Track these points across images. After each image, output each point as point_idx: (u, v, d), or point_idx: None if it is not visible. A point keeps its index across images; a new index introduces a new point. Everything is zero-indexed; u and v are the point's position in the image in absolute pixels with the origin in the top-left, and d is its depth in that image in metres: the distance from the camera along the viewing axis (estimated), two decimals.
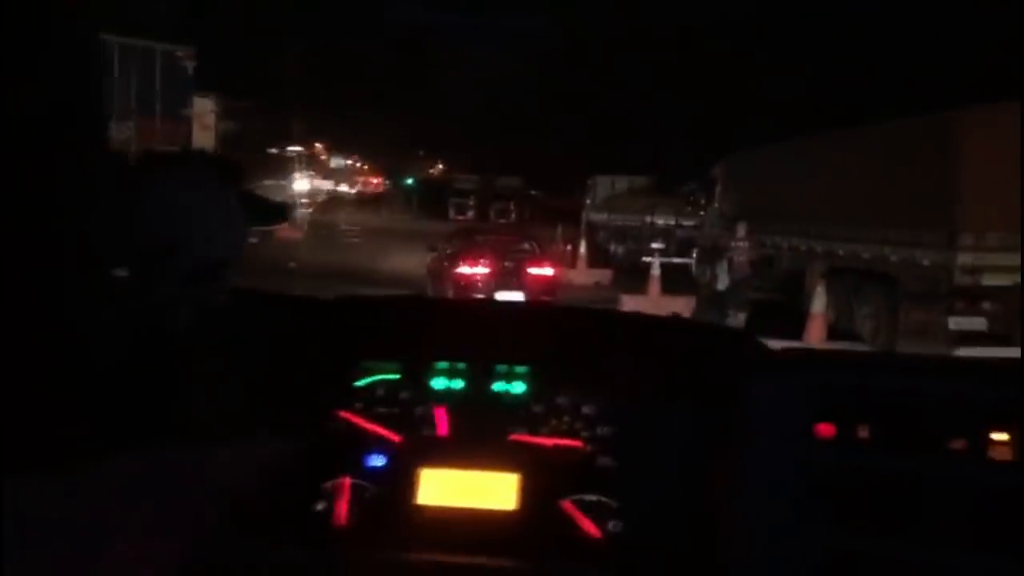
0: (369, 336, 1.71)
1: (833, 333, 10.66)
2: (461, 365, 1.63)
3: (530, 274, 12.76)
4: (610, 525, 1.42)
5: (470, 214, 56.62)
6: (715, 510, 1.40)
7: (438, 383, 1.61)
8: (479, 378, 1.61)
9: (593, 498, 1.44)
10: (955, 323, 9.52)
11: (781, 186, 13.79)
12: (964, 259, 9.23)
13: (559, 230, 27.25)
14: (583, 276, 19.29)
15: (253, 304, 1.67)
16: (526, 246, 13.96)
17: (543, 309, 1.77)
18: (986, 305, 9.48)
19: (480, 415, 1.56)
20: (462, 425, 1.56)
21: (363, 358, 1.63)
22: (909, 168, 10.04)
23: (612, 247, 24.24)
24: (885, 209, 10.51)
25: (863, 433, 1.37)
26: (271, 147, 32.05)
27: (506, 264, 12.81)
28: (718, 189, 17.27)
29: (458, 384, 1.61)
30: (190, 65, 14.86)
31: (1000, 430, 1.32)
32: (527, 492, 1.47)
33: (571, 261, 20.40)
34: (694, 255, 18.05)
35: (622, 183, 28.19)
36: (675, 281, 15.58)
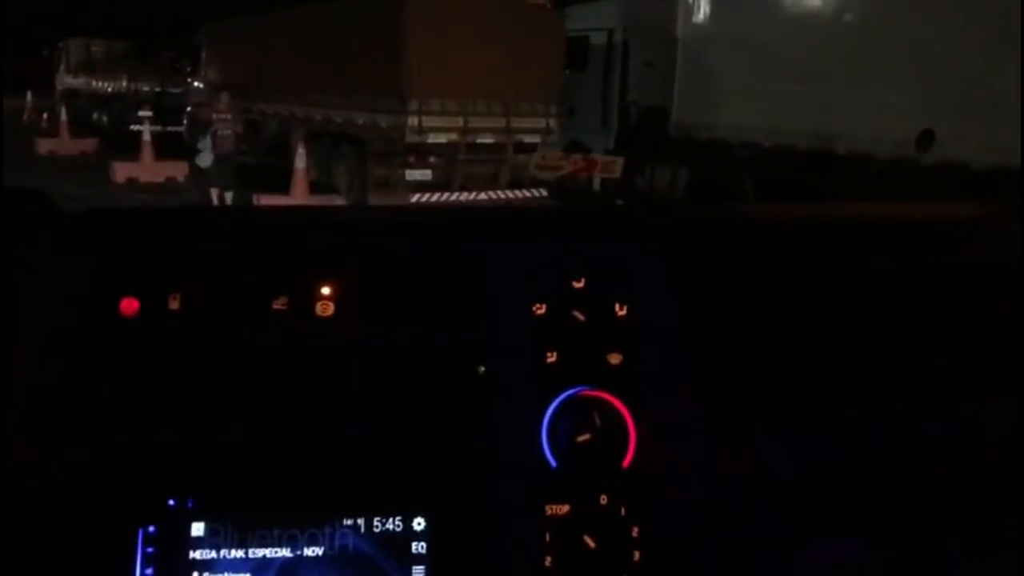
0: None
1: (315, 188, 12.24)
2: None
3: None
4: None
5: None
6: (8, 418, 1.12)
7: None
8: None
9: None
10: (409, 175, 11.67)
11: (262, 57, 14.79)
12: (412, 121, 11.29)
13: (29, 97, 25.08)
14: (67, 147, 18.50)
15: None
16: None
17: None
18: (432, 159, 11.76)
19: None
20: None
21: None
22: (366, 43, 11.76)
23: (95, 115, 23.17)
24: (350, 80, 12.18)
25: (174, 304, 1.15)
26: None
27: None
28: (203, 57, 17.59)
29: None
30: None
31: (323, 285, 1.17)
32: None
33: (54, 131, 19.28)
34: (184, 122, 18.29)
35: (98, 47, 26.60)
36: (167, 148, 15.88)
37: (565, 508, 1.17)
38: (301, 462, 1.14)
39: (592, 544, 1.16)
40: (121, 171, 14.74)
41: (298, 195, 11.60)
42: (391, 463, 1.16)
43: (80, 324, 1.14)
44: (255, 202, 10.95)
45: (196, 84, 18.01)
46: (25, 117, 23.46)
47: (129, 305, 1.14)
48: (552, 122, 12.64)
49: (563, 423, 1.18)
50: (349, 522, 1.13)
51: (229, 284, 1.17)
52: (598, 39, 14.20)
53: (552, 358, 1.20)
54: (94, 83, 24.84)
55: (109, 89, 23.75)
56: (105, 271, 1.16)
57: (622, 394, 1.20)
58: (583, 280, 1.23)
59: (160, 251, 1.19)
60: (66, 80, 27.02)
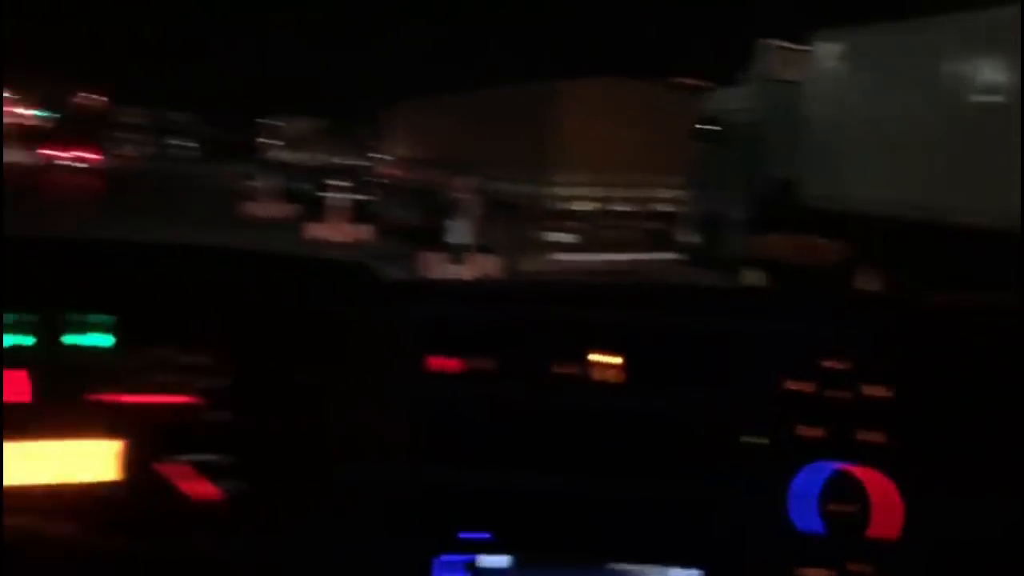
0: None
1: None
2: (30, 317, 1.36)
3: None
4: (226, 485, 1.33)
5: (135, 149, 54.44)
6: (330, 455, 1.34)
7: (6, 340, 1.34)
8: (53, 331, 1.36)
9: (206, 457, 1.34)
10: (552, 237, 13.26)
11: (438, 134, 17.07)
12: (556, 191, 12.99)
13: (241, 166, 28.55)
14: (270, 210, 21.28)
15: None
16: None
17: (132, 246, 1.53)
18: (573, 224, 13.33)
19: (60, 375, 1.34)
20: (41, 388, 1.33)
21: None
22: (522, 124, 13.68)
23: (295, 184, 26.12)
24: (508, 154, 14.05)
25: (472, 363, 1.34)
26: None
27: None
28: (390, 133, 20.00)
29: (29, 340, 1.35)
30: None
31: (595, 352, 1.34)
32: (131, 458, 1.32)
33: (256, 196, 22.14)
34: (370, 191, 20.68)
35: (302, 123, 30.12)
36: (356, 214, 18.15)
37: (818, 573, 1.24)
38: (579, 510, 1.28)
39: None
40: (312, 231, 16.97)
41: (447, 254, 13.39)
42: (659, 518, 1.27)
43: (397, 375, 1.31)
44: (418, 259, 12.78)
45: (384, 157, 20.40)
46: (235, 185, 26.67)
47: (443, 363, 1.32)
48: (686, 192, 13.98)
49: (814, 493, 1.27)
50: (621, 568, 1.24)
51: (513, 347, 1.33)
52: (738, 119, 15.43)
53: (804, 431, 1.30)
54: (292, 155, 28.00)
55: (308, 160, 26.73)
56: (424, 333, 1.33)
57: (873, 468, 1.27)
58: (834, 360, 1.33)
59: (471, 317, 1.36)
60: (271, 152, 30.56)
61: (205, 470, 1.35)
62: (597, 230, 13.59)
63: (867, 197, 12.52)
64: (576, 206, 13.06)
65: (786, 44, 15.26)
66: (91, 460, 1.32)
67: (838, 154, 13.29)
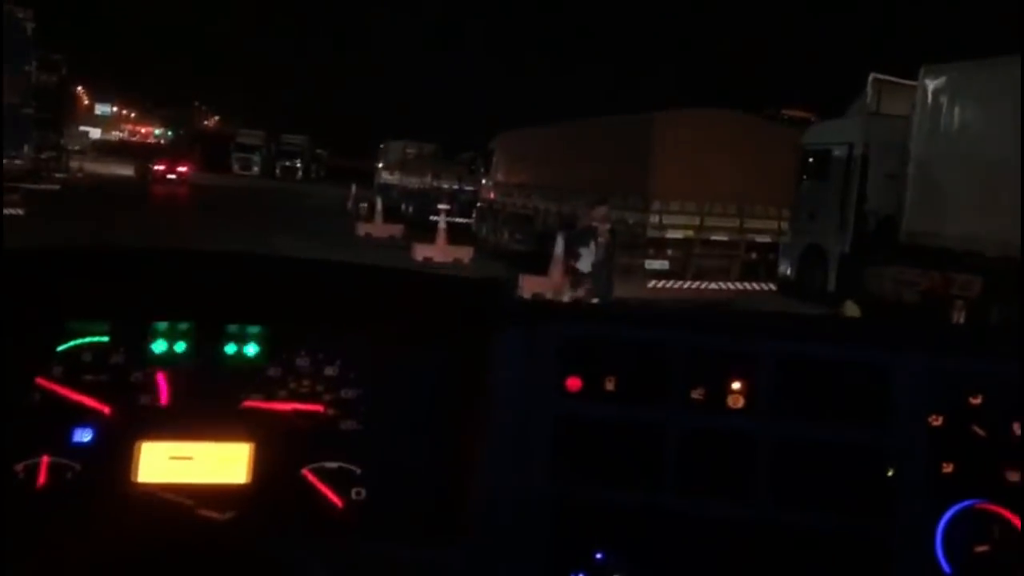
0: (74, 292, 1.43)
1: (567, 272, 14.40)
2: (184, 325, 1.42)
3: None
4: (353, 493, 1.37)
5: (255, 170, 57.04)
6: (464, 470, 1.34)
7: (157, 346, 1.41)
8: (206, 340, 1.42)
9: (335, 465, 1.37)
10: (649, 264, 13.53)
11: (537, 162, 17.57)
12: (654, 219, 13.23)
13: (353, 188, 29.81)
14: (380, 230, 22.10)
15: None
16: None
17: (282, 260, 1.62)
18: (669, 251, 13.57)
19: (207, 381, 1.40)
20: (186, 392, 1.39)
21: (67, 318, 1.40)
22: (621, 153, 13.99)
23: (403, 205, 27.14)
24: (605, 182, 14.37)
25: (609, 385, 1.34)
26: None
27: None
28: (495, 159, 20.70)
29: (181, 347, 1.41)
30: (29, 26, 16.42)
31: (737, 379, 1.32)
32: (262, 463, 1.37)
33: (368, 216, 23.23)
34: (474, 215, 21.41)
35: (412, 148, 31.36)
36: (458, 235, 18.92)
37: None
38: (710, 534, 1.27)
39: None
40: (420, 251, 17.65)
41: (555, 276, 13.79)
42: (795, 547, 1.26)
43: (534, 394, 1.33)
44: (521, 281, 13.25)
45: (486, 182, 21.10)
46: (349, 205, 27.83)
47: (574, 383, 1.34)
48: (783, 224, 14.03)
49: (960, 533, 1.22)
50: None
51: (654, 371, 1.33)
52: (840, 152, 15.40)
53: (948, 469, 1.26)
54: (404, 178, 29.14)
55: (416, 184, 27.73)
56: (556, 352, 1.35)
57: (1021, 510, 1.23)
58: (980, 396, 1.28)
59: (601, 339, 1.37)
60: (383, 175, 31.83)
61: (331, 478, 1.38)
62: (696, 258, 13.79)
63: (967, 234, 12.35)
64: (675, 234, 13.27)
65: (892, 78, 15.16)
66: (231, 461, 1.38)
67: (944, 191, 13.12)
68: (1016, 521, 1.23)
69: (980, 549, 1.23)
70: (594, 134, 15.33)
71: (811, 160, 15.22)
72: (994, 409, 1.28)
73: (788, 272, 15.29)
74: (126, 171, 38.99)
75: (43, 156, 18.26)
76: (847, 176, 15.21)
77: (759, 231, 13.95)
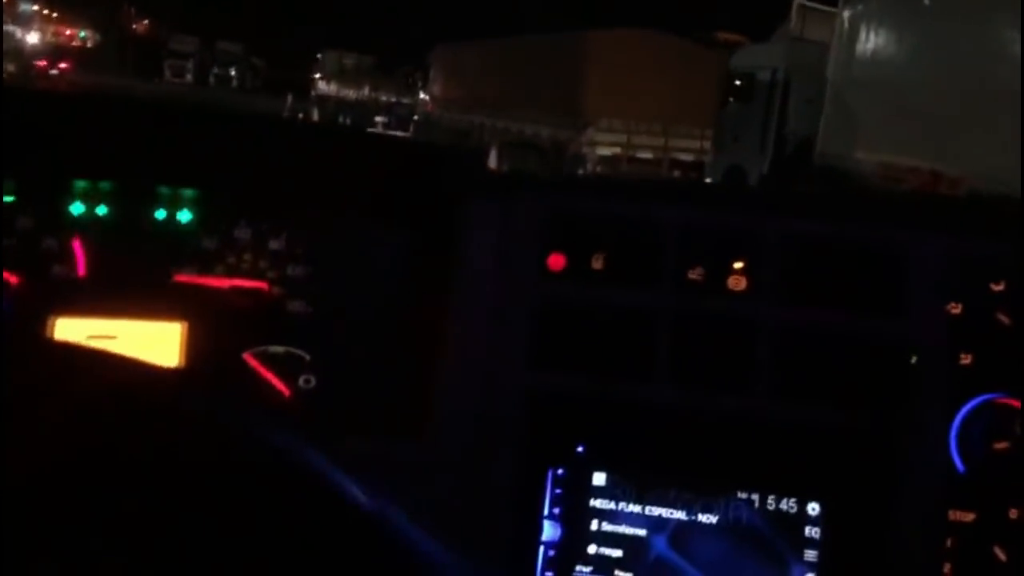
0: None
1: None
2: (106, 184, 1.28)
3: None
4: (301, 380, 1.26)
5: (188, 77, 55.39)
6: (428, 358, 1.22)
7: (75, 208, 1.26)
8: (131, 202, 1.27)
9: (280, 350, 1.27)
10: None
11: (475, 78, 17.93)
12: (583, 136, 13.83)
13: (289, 99, 29.65)
14: None
15: None
16: None
17: (222, 117, 1.45)
18: (597, 169, 14.16)
19: (132, 250, 1.26)
20: (108, 262, 1.25)
21: None
22: (554, 73, 14.52)
23: (341, 117, 27.13)
24: (540, 101, 14.91)
25: (597, 264, 1.21)
26: None
27: None
28: (431, 73, 20.94)
29: (102, 210, 1.27)
30: None
31: (739, 259, 1.21)
32: (196, 345, 1.25)
33: None
34: (411, 128, 21.67)
35: (349, 60, 31.20)
36: None
37: (971, 516, 1.13)
38: (704, 430, 1.18)
39: (1003, 556, 1.11)
40: None
41: None
42: (795, 444, 1.18)
43: (511, 274, 1.21)
44: None
45: (423, 96, 21.36)
46: (285, 115, 27.72)
47: (556, 260, 1.20)
48: (706, 144, 14.75)
49: (976, 429, 1.16)
50: (744, 496, 1.15)
51: (648, 249, 1.21)
52: (764, 76, 16.06)
53: (967, 360, 1.19)
54: (341, 90, 29.08)
55: (353, 96, 27.75)
56: (538, 228, 1.21)
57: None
58: (1003, 283, 1.19)
59: (588, 214, 1.24)
60: (319, 86, 31.66)
61: (275, 363, 1.27)
62: (621, 174, 14.45)
63: (882, 161, 13.20)
64: (603, 151, 13.88)
65: (816, 5, 15.82)
66: (159, 342, 1.25)
67: (857, 116, 13.93)
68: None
69: (998, 446, 1.15)
70: (528, 52, 15.72)
71: (737, 83, 15.93)
72: (1018, 296, 1.19)
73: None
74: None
75: None
76: (769, 99, 15.94)
77: (683, 150, 14.62)
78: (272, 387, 1.26)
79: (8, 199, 1.25)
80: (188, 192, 1.29)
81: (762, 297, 1.20)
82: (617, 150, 13.82)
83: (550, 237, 1.22)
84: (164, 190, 1.29)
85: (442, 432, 1.19)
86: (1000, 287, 1.19)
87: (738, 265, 1.21)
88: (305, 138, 1.45)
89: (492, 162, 14.82)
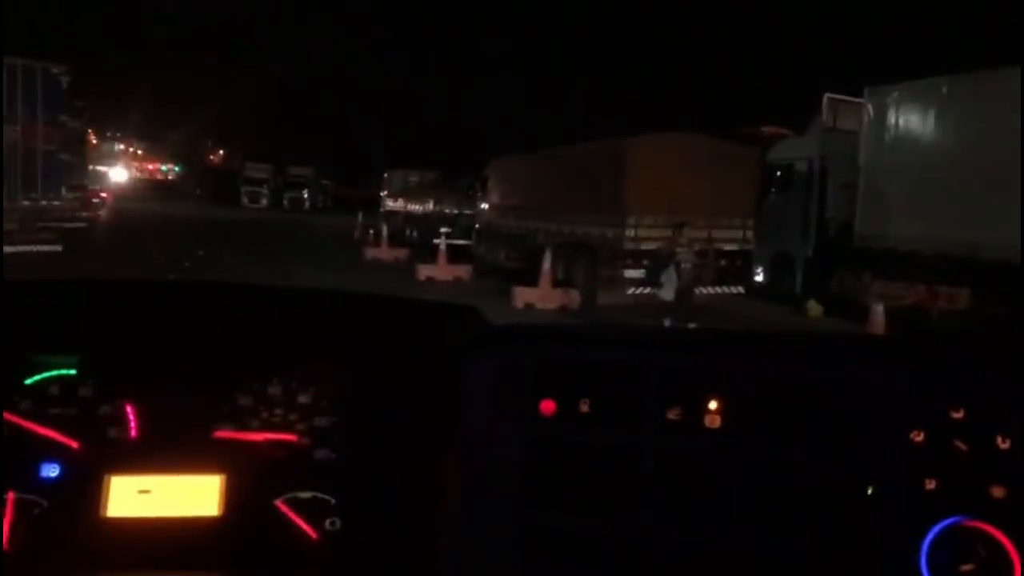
0: (39, 326, 1.44)
1: (557, 284, 15.91)
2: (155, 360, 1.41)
3: None
4: (327, 523, 1.36)
5: (264, 202, 58.14)
6: (438, 497, 1.32)
7: (129, 377, 1.39)
8: (177, 366, 1.40)
9: (309, 495, 1.37)
10: (627, 274, 15.01)
11: (528, 185, 19.16)
12: (629, 232, 14.79)
13: (359, 216, 31.32)
14: (386, 254, 23.67)
15: None
16: None
17: (252, 288, 1.56)
18: (644, 261, 15.05)
19: (177, 411, 1.39)
20: (156, 424, 1.39)
21: (34, 351, 1.40)
22: (599, 176, 15.57)
23: (407, 230, 28.66)
24: (587, 203, 15.94)
25: (584, 408, 1.31)
26: None
27: None
28: (489, 184, 22.20)
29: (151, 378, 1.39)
30: (65, 80, 18.19)
31: (713, 398, 1.28)
32: (234, 494, 1.35)
33: (375, 242, 24.81)
34: (473, 236, 22.91)
35: (413, 176, 33.01)
36: (459, 256, 20.43)
37: None
38: (686, 559, 1.24)
39: None
40: (423, 272, 18.98)
41: (543, 288, 15.31)
42: (770, 569, 1.22)
43: (507, 418, 1.30)
44: (514, 292, 14.70)
45: (483, 205, 22.56)
46: (356, 233, 29.34)
47: (548, 406, 1.30)
48: (747, 233, 15.58)
49: (945, 552, 1.19)
50: None
51: (630, 393, 1.30)
52: (802, 166, 16.93)
53: (931, 486, 1.23)
54: (407, 205, 30.69)
55: (419, 210, 29.19)
56: (529, 376, 1.32)
57: (1006, 526, 1.19)
58: (962, 410, 1.24)
59: (574, 361, 1.33)
60: (387, 203, 33.51)
61: (304, 509, 1.36)
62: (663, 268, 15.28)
63: (916, 236, 13.83)
64: (649, 246, 14.75)
65: (844, 97, 16.77)
66: (202, 493, 1.35)
67: (889, 198, 14.64)
68: (1002, 538, 1.19)
69: (966, 568, 1.18)
70: (576, 158, 16.96)
71: (777, 174, 16.87)
72: (977, 422, 1.24)
73: (761, 278, 16.85)
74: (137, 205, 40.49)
75: (71, 196, 19.83)
76: (808, 188, 16.75)
77: (726, 240, 15.48)
78: (301, 530, 1.36)
79: (70, 372, 1.41)
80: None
81: (735, 433, 1.28)
82: (662, 244, 14.68)
83: (541, 384, 1.33)
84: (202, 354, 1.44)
85: (448, 569, 1.27)
86: (959, 415, 1.25)
87: (713, 404, 1.30)
88: (325, 303, 1.63)
89: (547, 263, 15.81)
